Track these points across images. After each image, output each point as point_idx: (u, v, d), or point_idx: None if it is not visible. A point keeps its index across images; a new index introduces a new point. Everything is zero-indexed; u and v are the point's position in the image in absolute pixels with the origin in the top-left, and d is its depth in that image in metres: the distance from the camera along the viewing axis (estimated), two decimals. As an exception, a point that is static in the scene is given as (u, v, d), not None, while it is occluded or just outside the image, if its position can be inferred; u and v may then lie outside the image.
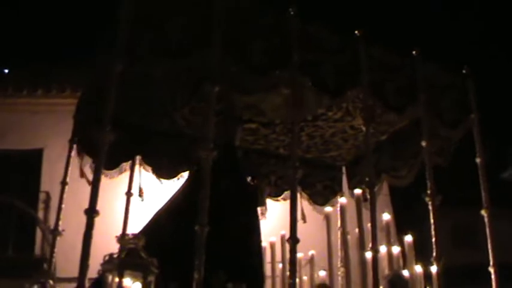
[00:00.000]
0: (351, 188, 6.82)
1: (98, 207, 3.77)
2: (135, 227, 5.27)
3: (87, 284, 3.67)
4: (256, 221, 5.39)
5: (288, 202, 6.37)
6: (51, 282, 4.68)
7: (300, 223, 4.35)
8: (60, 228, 5.11)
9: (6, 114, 13.38)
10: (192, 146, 5.95)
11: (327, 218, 5.73)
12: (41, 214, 12.53)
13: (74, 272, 3.96)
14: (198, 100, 5.68)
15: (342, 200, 5.81)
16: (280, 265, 6.01)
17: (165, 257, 3.90)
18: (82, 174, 5.29)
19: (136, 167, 6.15)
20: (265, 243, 5.69)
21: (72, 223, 5.47)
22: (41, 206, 12.62)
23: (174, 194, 5.44)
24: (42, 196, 12.67)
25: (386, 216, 5.68)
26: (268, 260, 5.89)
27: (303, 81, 4.85)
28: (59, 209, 5.16)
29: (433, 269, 5.14)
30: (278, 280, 6.09)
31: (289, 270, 4.23)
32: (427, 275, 5.41)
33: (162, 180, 6.33)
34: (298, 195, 5.82)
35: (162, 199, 5.52)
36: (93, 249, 3.67)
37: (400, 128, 6.20)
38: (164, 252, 4.07)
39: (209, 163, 4.07)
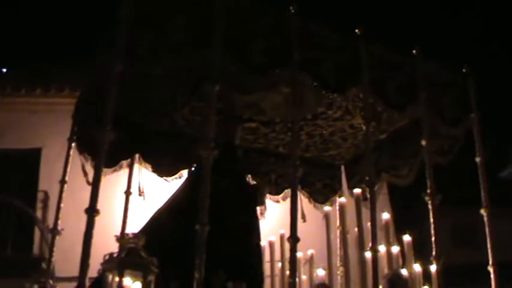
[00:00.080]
0: (350, 187, 6.83)
1: (97, 206, 3.76)
2: (134, 225, 5.27)
3: (87, 283, 3.66)
4: (256, 221, 5.39)
5: (286, 202, 6.43)
6: (51, 282, 4.68)
7: (299, 222, 4.34)
8: (59, 228, 5.10)
9: (4, 113, 13.35)
10: (192, 145, 5.95)
11: (326, 217, 5.73)
12: (39, 213, 12.52)
13: (73, 271, 3.95)
14: (198, 100, 5.69)
15: (341, 199, 5.80)
16: (280, 264, 6.01)
17: (165, 256, 3.89)
18: (85, 173, 5.27)
19: (136, 166, 6.14)
20: (264, 242, 5.68)
21: (70, 222, 5.47)
22: (39, 205, 12.60)
23: (174, 193, 5.43)
24: (40, 195, 12.65)
25: (385, 216, 5.67)
26: (267, 259, 5.89)
27: (304, 80, 4.84)
28: (58, 208, 5.16)
29: (433, 268, 5.14)
30: (277, 279, 6.09)
31: (290, 269, 4.23)
32: (426, 274, 5.41)
33: (163, 178, 6.32)
34: (298, 194, 5.82)
35: (161, 198, 5.52)
36: (92, 248, 3.66)
37: (399, 127, 6.20)
38: (164, 251, 4.07)
39: (210, 162, 4.06)
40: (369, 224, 4.75)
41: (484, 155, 5.68)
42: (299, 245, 4.22)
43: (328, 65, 4.94)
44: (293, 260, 4.16)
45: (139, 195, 6.22)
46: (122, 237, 3.85)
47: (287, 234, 4.31)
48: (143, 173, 6.24)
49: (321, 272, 5.66)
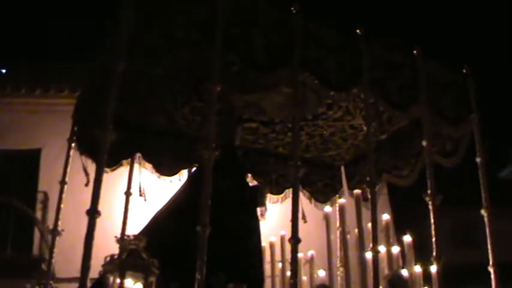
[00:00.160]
0: (350, 188, 6.83)
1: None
2: (134, 226, 5.27)
3: (88, 284, 3.66)
4: (256, 222, 5.38)
5: (286, 202, 6.43)
6: (52, 283, 4.67)
7: (299, 223, 4.34)
8: (59, 229, 5.09)
9: (4, 114, 13.34)
10: (192, 145, 5.96)
11: (327, 218, 5.72)
12: (38, 214, 12.50)
13: (73, 272, 3.94)
14: (199, 99, 5.69)
15: (341, 200, 5.80)
16: (280, 265, 6.01)
17: (166, 257, 3.88)
18: (86, 174, 5.26)
19: (136, 166, 6.14)
20: (264, 243, 5.68)
21: (70, 223, 5.47)
22: (38, 206, 12.58)
23: (175, 195, 5.42)
24: (40, 196, 12.64)
25: (385, 217, 5.67)
26: (267, 260, 5.88)
27: (305, 79, 4.85)
28: (58, 209, 5.15)
29: (433, 268, 5.14)
30: (278, 280, 6.09)
31: (291, 270, 4.22)
32: (426, 274, 5.41)
33: (164, 177, 6.31)
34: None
35: (161, 199, 5.51)
36: (93, 249, 3.65)
37: (400, 127, 6.20)
38: (165, 253, 4.05)
39: (211, 163, 4.06)
40: (369, 224, 4.75)
41: (485, 155, 5.68)
42: (299, 246, 4.21)
43: (329, 65, 4.94)
44: (294, 261, 4.16)
45: (140, 195, 6.22)
46: (123, 239, 3.85)
47: (287, 235, 4.30)
48: (143, 174, 6.23)
49: (321, 273, 5.67)
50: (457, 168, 5.98)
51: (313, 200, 6.97)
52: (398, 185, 6.56)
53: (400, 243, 5.84)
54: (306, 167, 6.44)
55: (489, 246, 5.39)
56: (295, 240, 4.16)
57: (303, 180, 6.57)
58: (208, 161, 4.07)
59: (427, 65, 5.49)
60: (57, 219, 5.12)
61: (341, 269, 5.53)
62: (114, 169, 5.92)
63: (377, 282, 4.47)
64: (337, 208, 5.81)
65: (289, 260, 4.33)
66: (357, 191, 5.47)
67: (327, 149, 6.82)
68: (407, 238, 5.68)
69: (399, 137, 6.30)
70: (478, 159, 5.67)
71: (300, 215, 4.53)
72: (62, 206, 5.17)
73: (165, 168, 6.30)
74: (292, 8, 4.82)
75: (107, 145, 3.87)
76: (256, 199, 5.51)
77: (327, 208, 6.01)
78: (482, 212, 5.49)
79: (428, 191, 5.01)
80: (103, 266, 3.64)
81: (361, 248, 4.99)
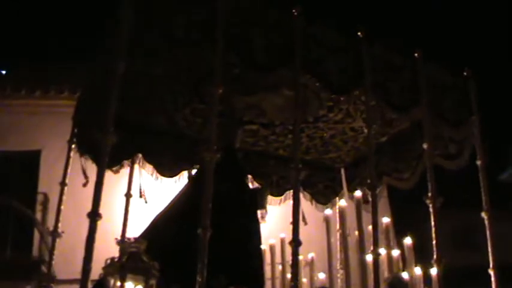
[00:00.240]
0: (350, 190, 6.82)
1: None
2: (134, 228, 5.26)
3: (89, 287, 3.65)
4: (256, 224, 5.37)
5: (286, 204, 6.42)
6: (52, 286, 4.66)
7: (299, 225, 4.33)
8: (59, 230, 5.08)
9: (4, 115, 13.35)
10: (193, 146, 5.95)
11: (327, 220, 5.71)
12: (38, 215, 12.51)
13: (73, 273, 3.95)
14: (200, 101, 5.68)
15: (342, 202, 5.80)
16: (280, 267, 6.00)
17: (167, 260, 3.88)
18: (85, 176, 5.26)
19: (136, 169, 6.13)
20: (264, 245, 5.67)
21: (70, 224, 5.47)
22: (38, 207, 12.59)
23: (175, 197, 5.41)
24: (40, 197, 12.65)
25: (385, 219, 5.67)
26: (267, 262, 5.88)
27: (306, 81, 4.85)
28: (58, 210, 5.13)
29: (433, 271, 5.13)
30: (278, 282, 6.09)
31: (291, 272, 4.21)
32: (426, 277, 5.41)
33: (164, 179, 6.30)
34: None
35: (161, 201, 5.50)
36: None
37: (400, 130, 6.20)
38: (165, 255, 4.05)
39: (212, 165, 4.05)
40: (369, 227, 4.75)
41: (485, 157, 5.68)
42: (299, 248, 4.21)
43: (331, 67, 4.94)
44: (295, 263, 4.15)
45: (140, 196, 6.20)
46: (123, 241, 3.84)
47: (287, 237, 4.29)
48: (144, 177, 6.21)
49: (321, 275, 5.66)
50: (457, 171, 5.97)
51: (313, 202, 6.96)
52: (398, 188, 6.55)
53: (401, 245, 5.83)
54: (306, 169, 6.45)
55: (489, 249, 5.39)
56: (296, 242, 4.16)
57: (304, 181, 6.58)
58: (209, 163, 4.07)
59: (427, 67, 5.49)
60: (57, 220, 5.10)
61: (341, 271, 5.52)
62: (116, 171, 5.91)
63: (377, 285, 4.47)
64: (337, 211, 5.80)
65: (290, 262, 4.32)
66: (357, 194, 5.45)
67: (327, 151, 6.81)
68: (407, 241, 5.67)
69: (400, 139, 6.30)
70: (478, 162, 5.66)
71: (300, 217, 4.52)
72: (62, 207, 5.16)
73: (165, 169, 6.28)
74: (293, 10, 4.82)
75: (108, 148, 3.86)
76: (257, 201, 5.51)
77: (327, 211, 6.01)
78: (483, 214, 5.49)
79: (429, 194, 5.01)
80: (104, 268, 3.64)
81: (362, 251, 4.98)
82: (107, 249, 3.89)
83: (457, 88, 5.80)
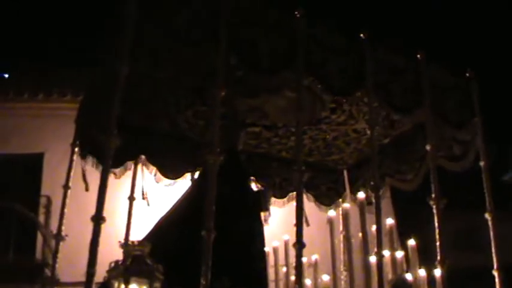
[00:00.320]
0: (353, 192, 6.81)
1: (100, 212, 3.74)
2: (137, 231, 5.26)
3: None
4: (260, 226, 5.36)
5: (289, 206, 6.41)
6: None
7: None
8: (63, 233, 5.08)
9: (7, 118, 13.38)
10: (196, 149, 5.95)
11: (330, 222, 5.71)
12: (41, 218, 12.51)
13: (76, 276, 3.93)
14: (202, 103, 5.68)
15: (345, 204, 5.79)
16: (284, 269, 6.00)
17: (170, 263, 3.88)
18: (85, 181, 5.26)
19: (139, 172, 6.12)
20: (268, 247, 5.67)
21: (73, 227, 5.46)
22: (41, 210, 12.60)
23: (179, 200, 5.40)
24: (43, 200, 12.66)
25: (389, 221, 5.66)
26: (271, 264, 5.87)
27: (309, 83, 4.85)
28: (62, 213, 5.13)
29: (437, 272, 5.12)
30: (281, 284, 6.09)
31: (295, 274, 4.21)
32: (430, 278, 5.40)
33: (168, 181, 6.29)
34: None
35: (164, 204, 5.50)
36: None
37: (403, 131, 6.20)
38: (169, 258, 4.04)
39: (216, 167, 4.05)
40: (373, 228, 4.74)
41: (488, 159, 5.67)
42: (303, 250, 4.21)
43: (333, 69, 4.93)
44: (299, 265, 4.15)
45: (143, 198, 6.19)
46: (127, 244, 3.84)
47: (291, 239, 4.29)
48: (146, 180, 6.20)
49: (325, 278, 5.65)
50: (460, 172, 5.97)
51: (316, 203, 6.95)
52: (401, 189, 6.54)
53: (404, 247, 5.82)
54: (309, 171, 6.44)
55: (493, 250, 5.38)
56: (299, 244, 4.15)
57: (307, 183, 6.57)
58: (212, 166, 4.07)
59: (430, 68, 5.49)
60: (60, 224, 5.09)
61: (345, 273, 5.52)
62: (120, 175, 5.91)
63: (381, 287, 4.47)
64: (341, 212, 5.80)
65: (293, 264, 4.32)
66: (361, 195, 5.44)
67: (330, 153, 6.81)
68: (411, 242, 5.66)
69: (402, 141, 6.30)
70: (481, 163, 5.66)
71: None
72: (65, 210, 5.16)
73: (168, 171, 6.27)
74: (296, 12, 4.82)
75: (112, 151, 3.86)
76: (260, 203, 5.50)
77: (331, 212, 6.00)
78: (486, 215, 5.48)
79: (433, 195, 5.00)
80: (108, 271, 3.64)
81: (365, 252, 4.98)
82: (110, 252, 3.89)
83: (459, 89, 5.80)
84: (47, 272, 10.87)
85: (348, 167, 7.08)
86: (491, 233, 5.44)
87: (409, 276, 5.29)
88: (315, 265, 6.00)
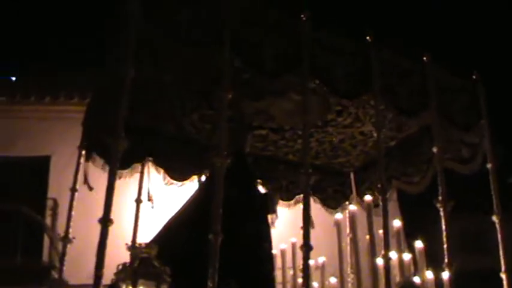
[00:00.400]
0: (359, 194, 6.81)
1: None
2: (144, 234, 5.26)
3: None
4: (267, 229, 5.36)
5: (296, 208, 6.41)
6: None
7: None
8: (70, 236, 5.08)
9: (14, 121, 13.42)
10: (203, 152, 5.95)
11: (338, 224, 5.70)
12: (48, 221, 12.54)
13: (82, 278, 3.94)
14: (209, 107, 5.68)
15: (352, 207, 5.78)
16: (291, 271, 5.99)
17: (178, 265, 3.88)
18: (85, 181, 5.27)
19: (145, 174, 6.12)
20: (275, 250, 5.67)
21: (79, 229, 5.46)
22: (48, 212, 12.62)
23: (186, 203, 5.40)
24: (49, 203, 12.68)
25: (397, 223, 5.65)
26: (278, 266, 5.87)
27: (314, 86, 4.85)
28: (69, 216, 5.13)
29: (445, 275, 5.11)
30: (289, 286, 6.08)
31: (302, 277, 4.21)
32: (438, 281, 5.39)
33: (175, 183, 6.29)
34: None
35: (171, 206, 5.50)
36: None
37: (409, 134, 6.19)
38: (176, 261, 4.05)
39: (223, 170, 4.05)
40: (380, 231, 4.74)
41: (495, 161, 5.66)
42: (310, 253, 4.20)
43: (339, 72, 4.93)
44: (306, 268, 4.15)
45: (148, 200, 6.19)
46: (134, 247, 3.85)
47: (298, 242, 4.28)
48: (153, 182, 6.20)
49: (332, 280, 5.65)
50: (467, 174, 5.96)
51: (323, 206, 6.95)
52: (408, 192, 6.53)
53: (411, 249, 5.81)
54: (316, 174, 6.44)
55: (501, 252, 5.36)
56: (306, 247, 4.15)
57: (314, 186, 6.56)
58: (220, 169, 4.07)
59: (436, 71, 5.48)
60: (68, 226, 5.09)
61: (352, 275, 5.51)
62: (129, 174, 5.92)
63: (389, 290, 4.46)
64: (348, 215, 5.79)
65: (300, 267, 4.32)
66: (368, 198, 5.44)
67: (336, 155, 6.81)
68: (418, 244, 5.65)
69: (409, 143, 6.30)
70: (488, 165, 5.65)
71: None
72: (72, 213, 5.16)
73: (176, 173, 6.28)
74: (301, 15, 4.82)
75: (119, 153, 3.86)
76: (267, 206, 5.50)
77: (338, 215, 6.00)
78: (494, 218, 5.47)
79: (440, 198, 4.99)
80: (115, 274, 3.65)
81: (373, 255, 4.97)
82: (117, 254, 3.89)
83: (466, 91, 5.79)
84: (54, 274, 10.91)
85: (354, 169, 7.08)
86: (499, 236, 5.43)
87: (416, 279, 5.27)
88: (322, 268, 6.00)
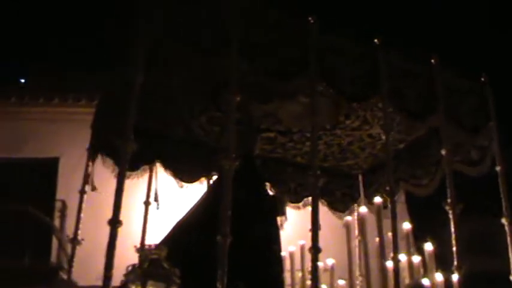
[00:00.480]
0: (368, 197, 6.80)
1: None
2: (152, 236, 5.27)
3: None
4: (276, 231, 5.36)
5: (304, 210, 6.41)
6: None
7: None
8: (79, 238, 5.09)
9: (23, 123, 13.45)
10: (212, 154, 5.95)
11: (347, 226, 5.70)
12: (56, 222, 12.57)
13: (90, 279, 3.94)
14: (217, 109, 5.69)
15: (362, 208, 5.78)
16: (300, 273, 5.99)
17: (187, 267, 3.89)
18: (89, 182, 5.27)
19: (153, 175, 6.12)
20: (284, 252, 5.66)
21: (88, 231, 5.47)
22: (56, 214, 12.65)
23: (195, 205, 5.40)
24: (58, 205, 12.71)
25: (406, 226, 5.65)
26: (287, 269, 5.87)
27: (322, 89, 4.85)
28: (78, 218, 5.14)
29: (454, 277, 5.10)
30: (297, 288, 6.09)
31: (311, 279, 4.21)
32: (447, 283, 5.38)
33: (184, 185, 6.30)
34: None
35: (179, 208, 5.51)
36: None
37: (418, 136, 6.18)
38: (185, 263, 4.06)
39: (231, 173, 4.06)
40: (389, 233, 4.73)
41: (504, 163, 5.65)
42: (319, 255, 4.21)
43: (347, 75, 4.94)
44: (315, 269, 4.15)
45: (155, 200, 6.18)
46: (143, 248, 3.86)
47: (307, 244, 4.29)
48: (161, 184, 6.20)
49: (341, 282, 5.64)
50: (476, 176, 5.94)
51: (331, 209, 6.93)
52: (416, 194, 6.52)
53: (421, 252, 5.80)
54: (324, 176, 6.44)
55: (510, 255, 5.35)
56: (315, 249, 4.16)
57: (322, 189, 6.55)
58: (228, 171, 4.08)
59: (444, 73, 5.47)
60: (77, 228, 5.10)
61: (360, 278, 5.51)
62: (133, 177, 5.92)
63: (399, 292, 4.46)
64: (356, 217, 5.79)
65: (309, 269, 4.32)
66: (377, 200, 5.43)
67: (344, 158, 6.80)
68: (428, 247, 5.64)
69: (417, 146, 6.28)
70: (497, 168, 5.64)
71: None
72: (81, 215, 5.17)
73: (184, 175, 6.28)
74: (310, 18, 4.83)
75: (128, 155, 3.88)
76: (276, 208, 5.50)
77: (348, 217, 5.99)
78: (503, 220, 5.45)
79: (449, 200, 4.99)
80: (125, 275, 3.65)
81: (382, 257, 4.97)
82: (125, 256, 3.90)
83: (474, 94, 5.79)
84: (62, 275, 10.94)
85: (362, 172, 7.07)
86: (508, 238, 5.41)
87: (426, 281, 5.26)
88: (331, 270, 5.99)
